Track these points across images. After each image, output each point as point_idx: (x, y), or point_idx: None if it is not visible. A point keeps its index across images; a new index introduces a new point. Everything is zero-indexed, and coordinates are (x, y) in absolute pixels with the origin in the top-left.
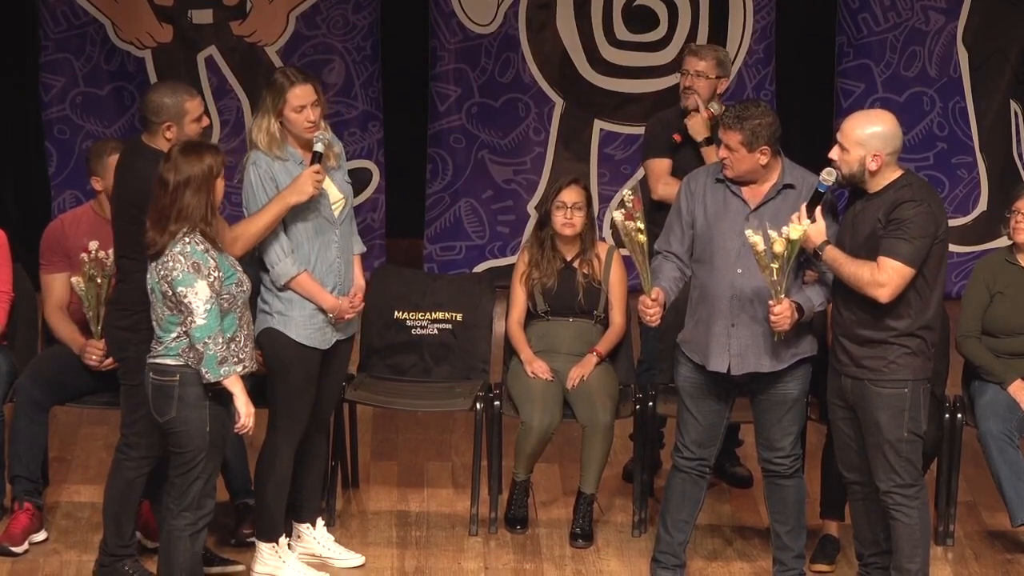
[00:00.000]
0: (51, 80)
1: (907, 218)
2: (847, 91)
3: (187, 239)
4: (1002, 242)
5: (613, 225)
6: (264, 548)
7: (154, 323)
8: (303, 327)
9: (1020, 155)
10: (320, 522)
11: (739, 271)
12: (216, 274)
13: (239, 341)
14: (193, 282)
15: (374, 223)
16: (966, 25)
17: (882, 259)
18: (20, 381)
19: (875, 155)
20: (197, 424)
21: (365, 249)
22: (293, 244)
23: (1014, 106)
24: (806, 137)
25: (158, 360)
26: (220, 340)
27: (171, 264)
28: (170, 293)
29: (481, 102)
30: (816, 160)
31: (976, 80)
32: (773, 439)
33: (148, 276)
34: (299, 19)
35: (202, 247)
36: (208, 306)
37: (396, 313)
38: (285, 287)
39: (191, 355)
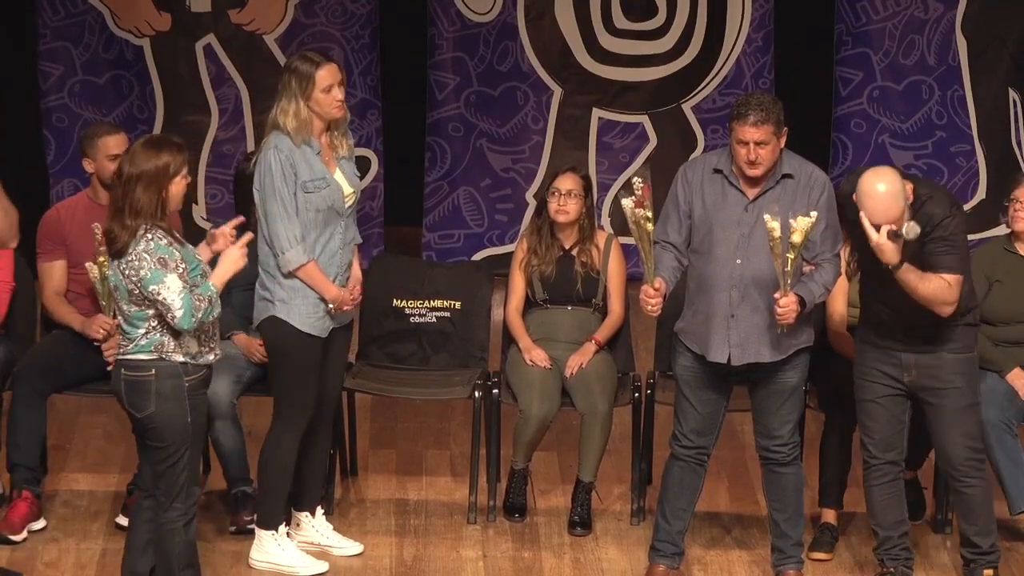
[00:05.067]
0: (49, 68)
1: (949, 233)
2: (846, 79)
3: (149, 235)
4: (1000, 230)
5: (612, 213)
6: (264, 536)
7: (120, 319)
8: (306, 315)
9: (1019, 143)
10: (319, 510)
11: (738, 261)
12: (183, 266)
13: (208, 331)
14: (163, 278)
15: (373, 211)
16: (965, 13)
17: (947, 276)
18: (18, 369)
19: (908, 194)
20: (178, 416)
21: (361, 240)
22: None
23: (1013, 94)
24: (804, 126)
25: (129, 357)
26: (203, 306)
27: (137, 263)
28: (137, 292)
29: (479, 90)
30: (814, 149)
31: (975, 68)
32: (771, 427)
33: (109, 272)
34: (298, 7)
35: (165, 241)
36: (182, 296)
37: (394, 301)
38: (292, 274)
39: (172, 344)
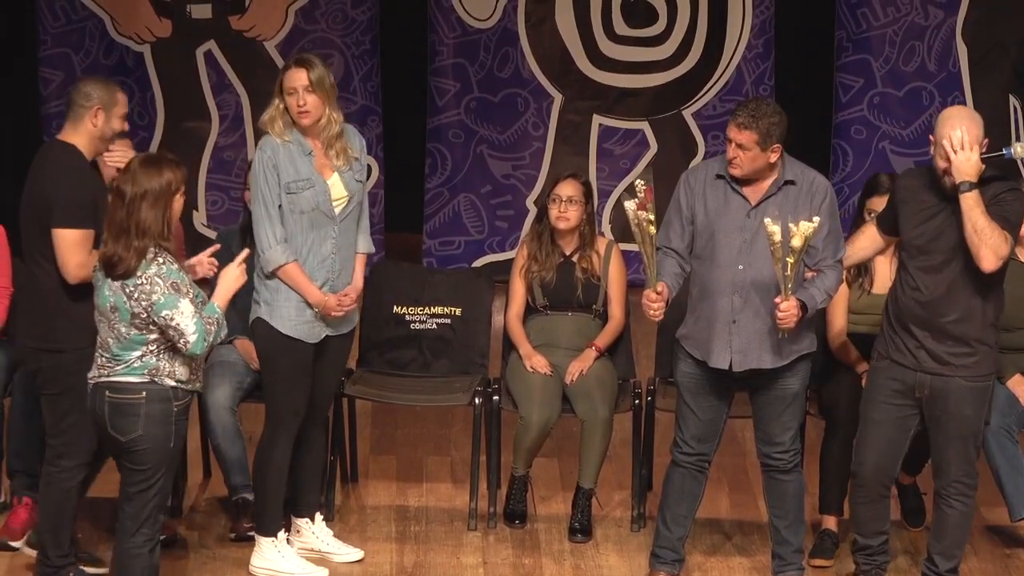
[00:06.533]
0: (50, 75)
1: (1010, 203)
2: (846, 86)
3: (160, 259)
4: None
5: (613, 219)
6: (264, 542)
7: (109, 340)
8: (289, 319)
9: None
10: (319, 517)
11: (740, 267)
12: (194, 290)
13: (198, 360)
14: (177, 303)
15: (373, 218)
16: (965, 19)
17: (1006, 234)
18: (19, 376)
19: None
20: (163, 440)
21: (373, 250)
22: (287, 234)
23: (1013, 101)
24: (805, 132)
25: (117, 379)
26: (213, 330)
27: (148, 288)
28: (144, 316)
29: (480, 97)
30: (814, 155)
31: (975, 75)
32: (773, 434)
33: (106, 292)
34: (298, 13)
35: (176, 265)
36: (196, 321)
37: (395, 308)
38: (272, 275)
39: (166, 369)
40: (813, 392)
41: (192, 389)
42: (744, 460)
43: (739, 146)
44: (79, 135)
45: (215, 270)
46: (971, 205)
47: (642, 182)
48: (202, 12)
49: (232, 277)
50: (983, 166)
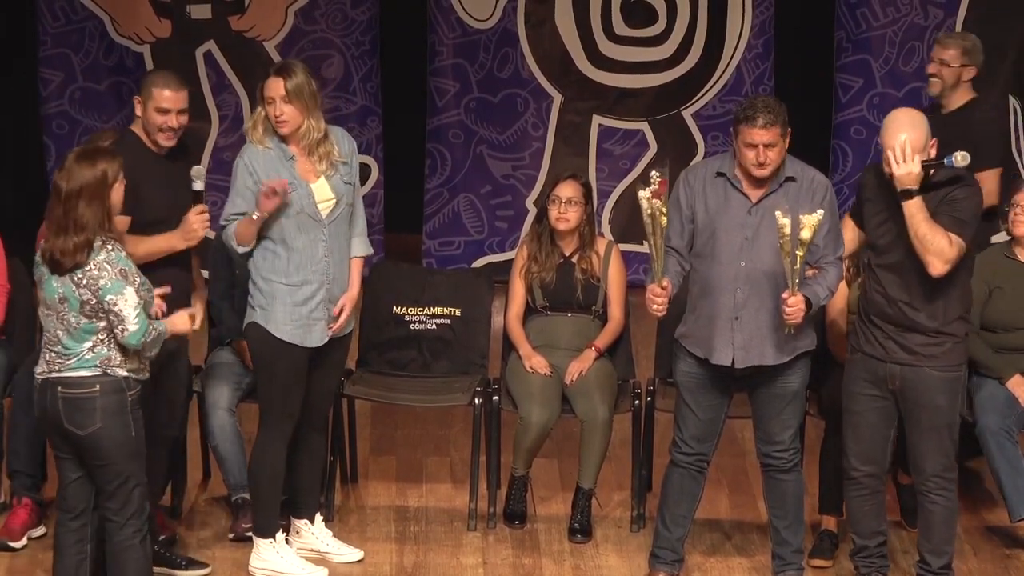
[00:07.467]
0: (50, 75)
1: (960, 201)
2: (846, 86)
3: (109, 247)
4: (1000, 237)
5: (613, 219)
6: (262, 544)
7: (59, 333)
8: (283, 323)
9: (1019, 150)
10: (319, 518)
11: (742, 264)
12: (138, 280)
13: (146, 352)
14: (122, 289)
15: (372, 218)
16: (965, 20)
17: (953, 236)
18: (18, 376)
19: (930, 151)
20: (123, 431)
21: (371, 252)
22: (276, 238)
23: (1013, 101)
24: (804, 132)
25: (69, 374)
26: (153, 334)
27: (96, 273)
28: (93, 301)
29: (480, 97)
30: (814, 155)
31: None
32: (772, 433)
33: (53, 284)
34: (297, 14)
35: (123, 253)
36: (137, 311)
37: (394, 308)
38: (234, 242)
39: (118, 359)
40: (813, 392)
41: (142, 379)
42: (744, 460)
43: (767, 146)
44: (136, 122)
45: (162, 311)
46: (912, 213)
47: (658, 174)
48: (202, 12)
49: (182, 324)
50: (923, 174)
